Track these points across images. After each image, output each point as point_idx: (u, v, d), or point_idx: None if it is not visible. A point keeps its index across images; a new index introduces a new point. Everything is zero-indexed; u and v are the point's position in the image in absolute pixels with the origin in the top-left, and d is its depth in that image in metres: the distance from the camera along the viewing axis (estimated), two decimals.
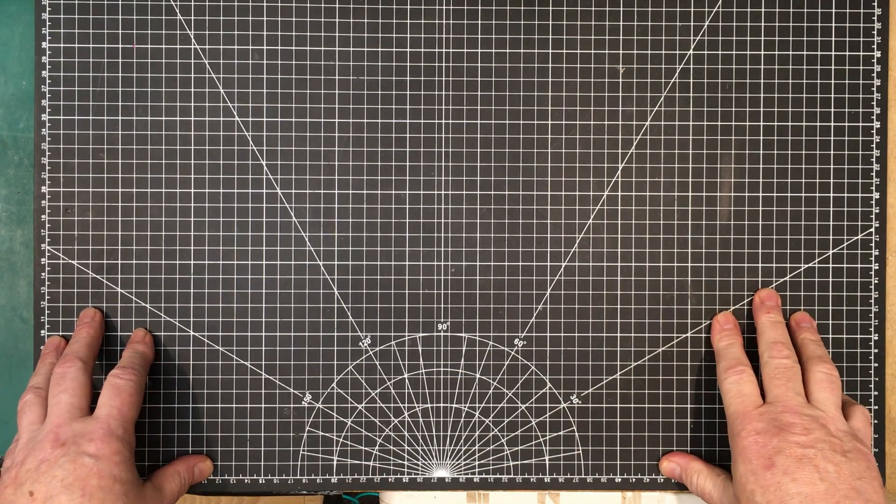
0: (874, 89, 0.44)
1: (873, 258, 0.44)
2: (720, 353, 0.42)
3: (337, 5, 0.44)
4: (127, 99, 0.43)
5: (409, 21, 0.44)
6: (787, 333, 0.42)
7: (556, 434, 0.44)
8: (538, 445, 0.44)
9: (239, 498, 0.46)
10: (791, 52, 0.44)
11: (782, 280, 0.44)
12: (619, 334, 0.44)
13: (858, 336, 0.44)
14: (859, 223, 0.44)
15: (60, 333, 0.43)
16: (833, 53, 0.44)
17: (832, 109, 0.44)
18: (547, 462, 0.44)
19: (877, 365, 0.44)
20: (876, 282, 0.44)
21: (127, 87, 0.43)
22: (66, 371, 0.39)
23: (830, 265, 0.44)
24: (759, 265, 0.44)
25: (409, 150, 0.44)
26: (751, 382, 0.40)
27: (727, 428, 0.40)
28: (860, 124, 0.44)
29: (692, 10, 0.44)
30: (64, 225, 0.43)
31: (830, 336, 0.44)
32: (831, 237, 0.44)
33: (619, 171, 0.44)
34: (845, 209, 0.44)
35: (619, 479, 0.44)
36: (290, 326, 0.44)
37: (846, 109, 0.44)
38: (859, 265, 0.44)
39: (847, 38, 0.44)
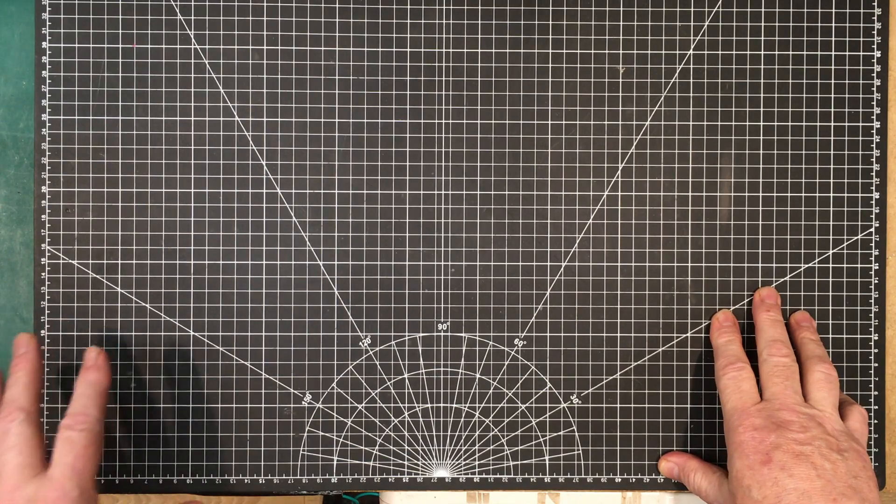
0: (874, 89, 0.44)
1: (873, 258, 0.44)
2: (719, 350, 0.42)
3: (337, 5, 0.44)
4: (127, 99, 0.43)
5: (409, 21, 0.44)
6: (785, 332, 0.42)
7: (556, 434, 0.44)
8: (538, 445, 0.44)
9: (239, 498, 0.46)
10: (791, 52, 0.44)
11: (782, 280, 0.44)
12: (619, 334, 0.44)
13: (858, 336, 0.44)
14: (859, 223, 0.44)
15: (60, 333, 0.43)
16: (833, 53, 0.44)
17: (832, 109, 0.44)
18: (547, 462, 0.44)
19: (877, 365, 0.44)
20: (876, 282, 0.44)
21: (127, 87, 0.43)
22: (9, 427, 0.36)
23: (830, 265, 0.44)
24: (759, 265, 0.44)
25: (409, 150, 0.44)
26: (749, 379, 0.40)
27: (724, 424, 0.40)
28: (860, 124, 0.44)
29: (692, 10, 0.44)
30: (64, 225, 0.43)
31: (830, 336, 0.44)
32: (831, 237, 0.44)
33: (619, 171, 0.44)
34: (845, 209, 0.44)
35: (619, 479, 0.44)
36: (290, 326, 0.44)
37: (846, 109, 0.44)
38: (859, 265, 0.44)
39: (847, 38, 0.44)
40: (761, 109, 0.44)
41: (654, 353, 0.44)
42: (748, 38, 0.44)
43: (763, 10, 0.44)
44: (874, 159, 0.44)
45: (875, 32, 0.44)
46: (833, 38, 0.44)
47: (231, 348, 0.44)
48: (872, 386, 0.44)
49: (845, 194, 0.44)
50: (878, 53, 0.44)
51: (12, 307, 0.45)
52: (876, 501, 0.36)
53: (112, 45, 0.43)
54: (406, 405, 0.44)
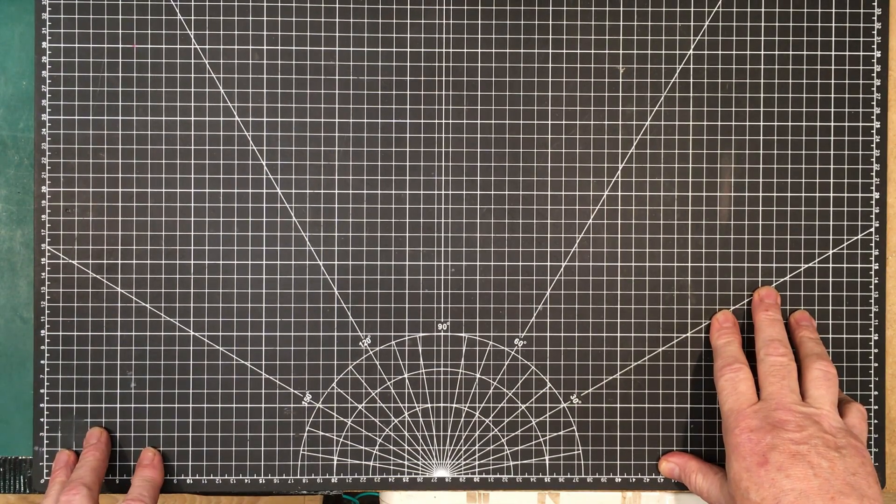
0: (874, 89, 0.44)
1: (873, 258, 0.44)
2: (718, 351, 0.42)
3: (337, 5, 0.44)
4: (127, 99, 0.43)
5: (409, 21, 0.44)
6: (784, 331, 0.42)
7: (556, 434, 0.44)
8: (538, 445, 0.44)
9: (239, 498, 0.46)
10: (791, 52, 0.44)
11: (782, 280, 0.44)
12: (619, 334, 0.44)
13: (858, 336, 0.44)
14: (859, 223, 0.44)
15: (60, 333, 0.43)
16: (833, 53, 0.44)
17: (832, 109, 0.44)
18: (547, 462, 0.44)
19: (877, 365, 0.44)
20: (876, 282, 0.44)
21: (127, 87, 0.43)
22: (72, 499, 0.39)
23: (830, 265, 0.44)
24: (759, 265, 0.44)
25: (409, 150, 0.44)
26: (747, 380, 0.40)
27: (722, 425, 0.40)
28: (860, 124, 0.44)
29: (692, 10, 0.44)
30: (64, 225, 0.43)
31: (830, 336, 0.44)
32: (831, 237, 0.44)
33: (619, 171, 0.44)
34: (845, 209, 0.44)
35: (619, 479, 0.44)
36: (290, 326, 0.44)
37: (846, 109, 0.44)
38: (859, 265, 0.44)
39: (847, 38, 0.44)
40: (761, 109, 0.44)
41: (654, 353, 0.44)
42: (748, 38, 0.44)
43: (763, 10, 0.44)
44: (874, 159, 0.44)
45: (875, 32, 0.44)
46: (833, 38, 0.44)
47: (231, 348, 0.44)
48: (872, 386, 0.44)
49: (845, 194, 0.44)
50: (878, 53, 0.44)
51: (12, 307, 0.45)
52: (876, 497, 0.36)
53: (112, 45, 0.43)
54: (406, 405, 0.44)
